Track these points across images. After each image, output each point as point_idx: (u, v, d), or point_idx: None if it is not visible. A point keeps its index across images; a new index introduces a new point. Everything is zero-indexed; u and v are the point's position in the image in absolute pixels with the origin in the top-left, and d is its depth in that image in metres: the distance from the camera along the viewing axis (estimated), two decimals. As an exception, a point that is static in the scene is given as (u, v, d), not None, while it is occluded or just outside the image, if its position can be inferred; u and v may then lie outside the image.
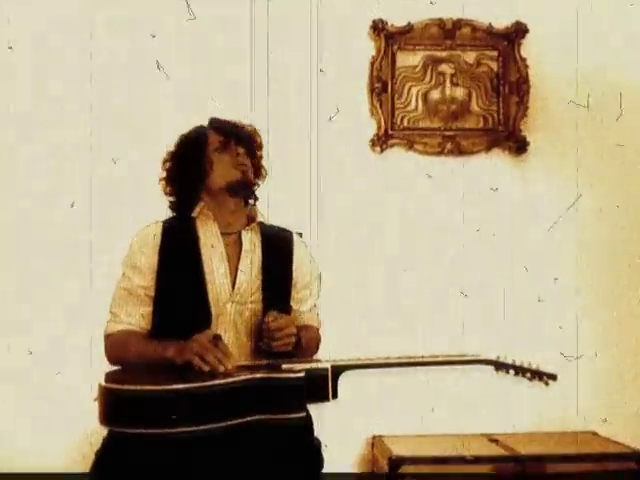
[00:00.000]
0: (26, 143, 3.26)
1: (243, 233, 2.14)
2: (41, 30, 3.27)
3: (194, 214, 2.13)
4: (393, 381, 3.01)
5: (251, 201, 2.23)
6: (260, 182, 2.25)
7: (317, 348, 2.24)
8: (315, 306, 2.26)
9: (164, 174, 2.21)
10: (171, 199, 2.21)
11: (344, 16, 3.36)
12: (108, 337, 2.08)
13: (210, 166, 2.13)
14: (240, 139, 2.17)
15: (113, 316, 2.09)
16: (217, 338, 1.91)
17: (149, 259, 2.07)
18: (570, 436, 3.30)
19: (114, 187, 3.23)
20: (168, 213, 2.21)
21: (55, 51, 3.26)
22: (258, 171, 2.23)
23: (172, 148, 2.22)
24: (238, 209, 2.17)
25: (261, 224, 2.19)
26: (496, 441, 3.20)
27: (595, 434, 3.32)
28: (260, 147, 2.25)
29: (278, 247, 2.17)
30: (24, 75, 3.28)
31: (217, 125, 2.20)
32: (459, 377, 3.05)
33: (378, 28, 3.38)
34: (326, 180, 3.28)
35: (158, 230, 2.11)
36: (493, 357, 1.92)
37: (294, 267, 2.17)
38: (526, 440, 3.21)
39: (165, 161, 2.21)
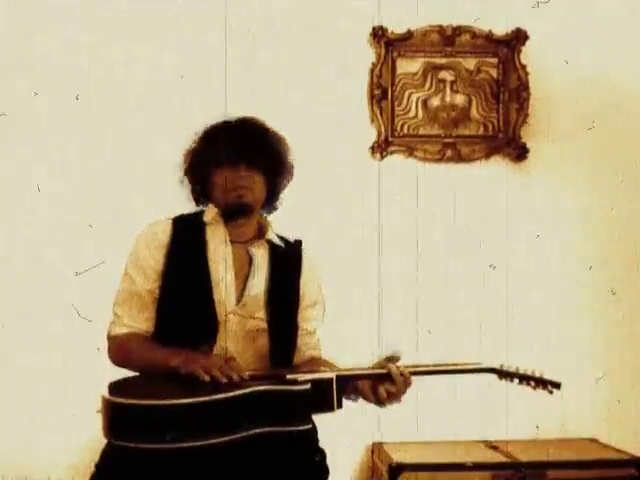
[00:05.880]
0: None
1: (252, 249, 2.05)
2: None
3: (205, 219, 2.05)
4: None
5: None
6: (275, 203, 2.13)
7: None
8: (315, 330, 2.15)
9: (182, 171, 2.11)
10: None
11: (344, 23, 3.36)
12: (112, 339, 2.02)
13: (212, 180, 2.05)
14: (251, 157, 2.01)
15: (117, 318, 2.02)
16: (231, 359, 1.88)
17: (154, 258, 1.99)
18: (570, 443, 3.29)
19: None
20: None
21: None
22: (273, 192, 2.09)
23: (190, 144, 2.10)
24: (246, 222, 2.07)
25: (269, 240, 2.09)
26: (496, 448, 3.20)
27: (595, 440, 3.31)
28: (281, 165, 2.07)
29: (287, 264, 2.09)
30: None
31: (228, 132, 2.05)
32: (458, 383, 3.05)
33: (378, 35, 3.38)
34: (326, 187, 3.29)
35: (167, 228, 2.02)
36: (496, 366, 1.91)
37: (302, 283, 2.09)
38: (526, 447, 3.20)
39: (184, 157, 2.11)
